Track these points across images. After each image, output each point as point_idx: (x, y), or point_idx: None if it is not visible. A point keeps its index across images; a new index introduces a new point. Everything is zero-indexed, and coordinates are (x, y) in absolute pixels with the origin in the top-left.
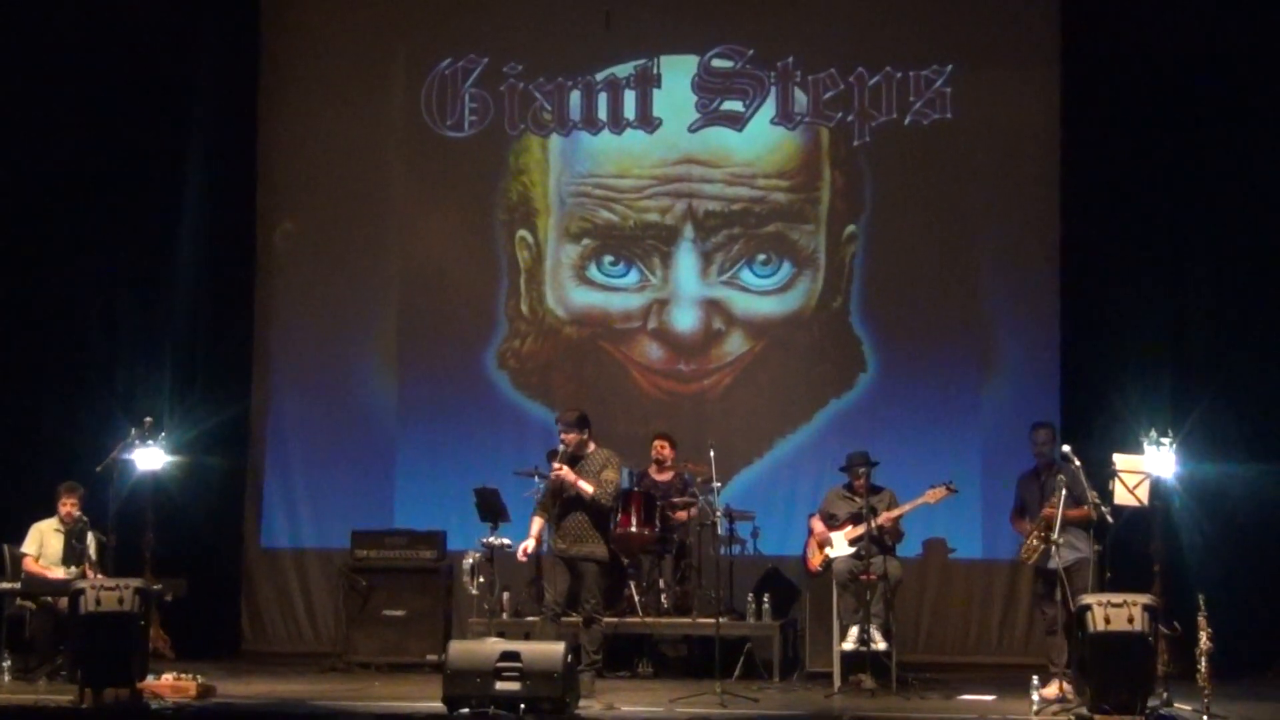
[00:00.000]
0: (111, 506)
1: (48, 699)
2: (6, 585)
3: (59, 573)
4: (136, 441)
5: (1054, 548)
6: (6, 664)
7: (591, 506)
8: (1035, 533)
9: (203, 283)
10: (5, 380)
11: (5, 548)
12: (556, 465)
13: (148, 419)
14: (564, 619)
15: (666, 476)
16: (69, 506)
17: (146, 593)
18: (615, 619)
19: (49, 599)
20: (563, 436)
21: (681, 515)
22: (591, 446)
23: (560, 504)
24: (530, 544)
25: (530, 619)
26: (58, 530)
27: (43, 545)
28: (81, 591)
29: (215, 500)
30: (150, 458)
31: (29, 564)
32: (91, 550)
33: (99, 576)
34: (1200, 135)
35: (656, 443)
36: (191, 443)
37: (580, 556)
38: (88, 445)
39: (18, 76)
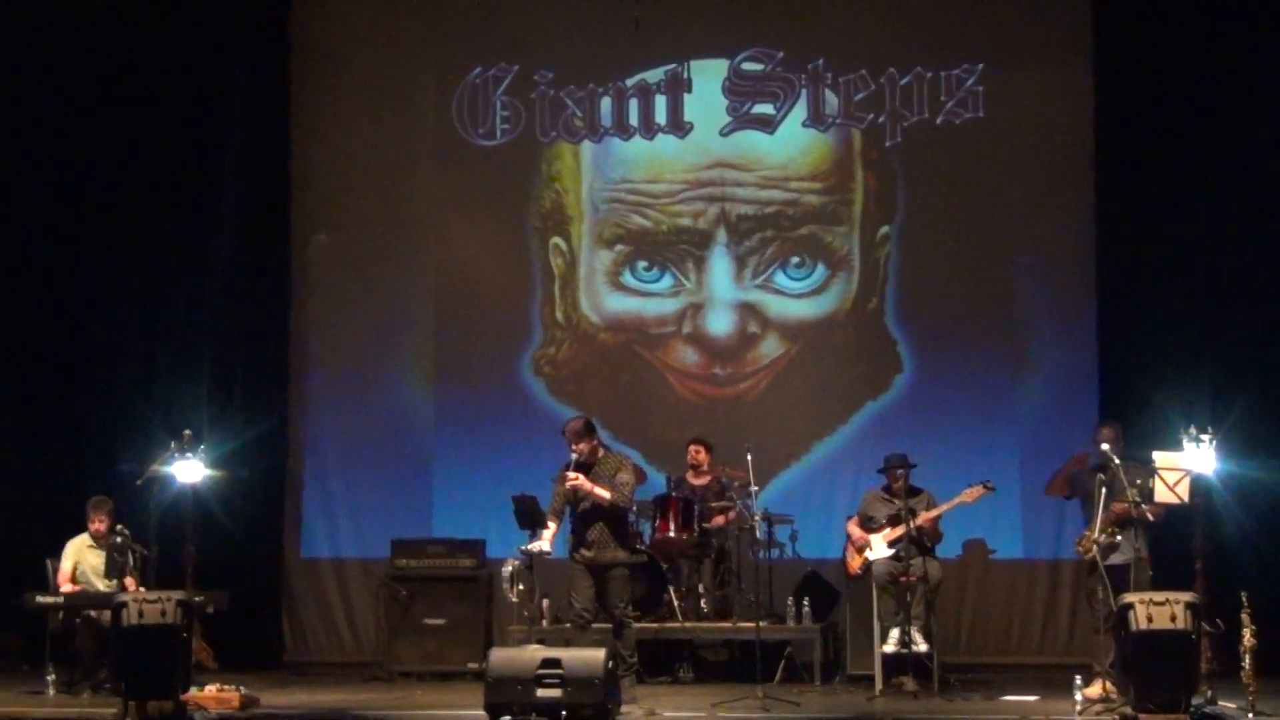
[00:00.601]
0: (152, 519)
1: (92, 712)
2: (50, 599)
3: (101, 586)
4: (175, 455)
5: (1113, 544)
6: (50, 677)
7: (610, 513)
8: (1098, 529)
9: (239, 295)
10: (44, 395)
11: (49, 563)
12: (571, 475)
13: (186, 432)
14: (595, 625)
15: (703, 481)
16: (99, 523)
17: (188, 605)
18: (655, 624)
19: (92, 613)
20: (573, 447)
21: (720, 520)
22: (601, 452)
23: (579, 515)
24: (545, 545)
25: (569, 625)
26: (92, 546)
27: (80, 561)
28: (124, 605)
29: (255, 511)
30: (189, 470)
31: (62, 579)
32: (133, 563)
33: (141, 590)
34: (1234, 130)
35: (692, 447)
36: (230, 455)
37: (601, 562)
38: (127, 458)
39: (56, 95)
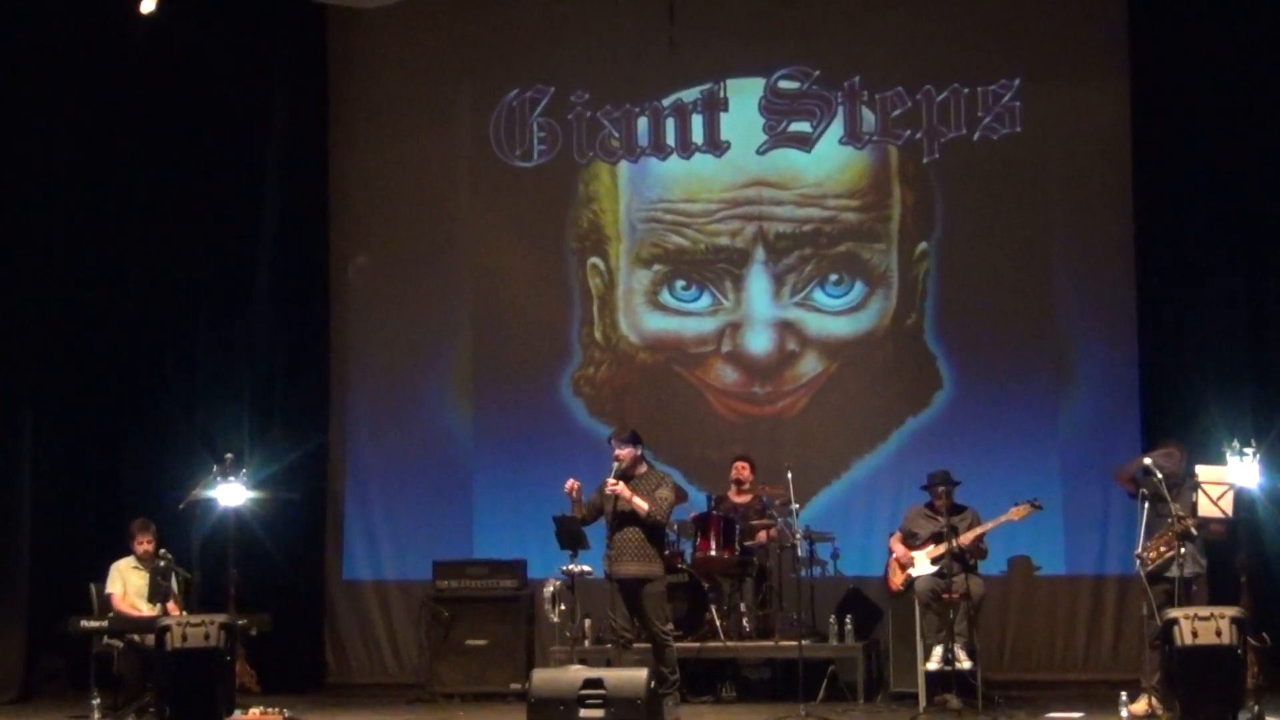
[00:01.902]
0: (195, 543)
1: None
2: (94, 624)
3: (145, 609)
4: (218, 478)
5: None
6: (96, 701)
7: (645, 524)
8: (1162, 542)
9: (279, 319)
10: (87, 420)
11: (93, 587)
12: (611, 480)
13: (228, 455)
14: (636, 645)
15: (745, 499)
16: (144, 544)
17: (232, 628)
18: (697, 643)
19: (136, 636)
20: (617, 453)
21: (762, 536)
22: (644, 467)
23: (612, 520)
24: (585, 566)
25: (611, 645)
26: (136, 568)
27: (125, 584)
28: (168, 628)
29: (297, 534)
30: (232, 494)
31: (116, 603)
32: (176, 587)
33: (184, 613)
34: (1273, 143)
35: (737, 464)
36: (272, 478)
37: (633, 578)
38: (169, 483)
39: (95, 120)
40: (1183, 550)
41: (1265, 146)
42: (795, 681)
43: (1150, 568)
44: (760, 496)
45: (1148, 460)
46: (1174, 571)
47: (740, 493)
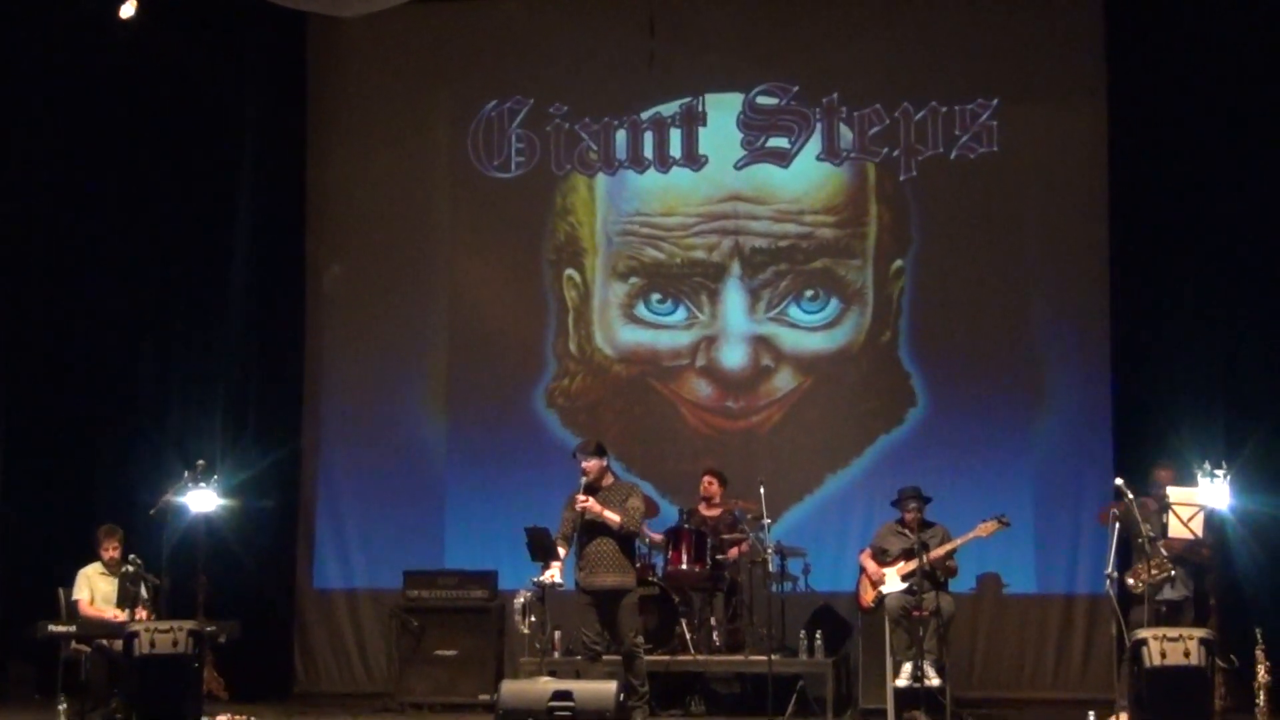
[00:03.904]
0: (165, 549)
1: None
2: (62, 628)
3: (111, 615)
4: (189, 484)
5: (1168, 578)
6: (62, 707)
7: (614, 537)
8: (1152, 564)
9: (253, 326)
10: (59, 424)
11: (60, 592)
12: (581, 497)
13: (200, 462)
14: (605, 657)
15: (715, 513)
16: (111, 550)
17: (200, 635)
18: (667, 656)
19: (104, 642)
20: (583, 465)
21: (733, 552)
22: (611, 479)
23: (582, 531)
24: (557, 576)
25: (580, 657)
26: (104, 574)
27: (92, 590)
28: (136, 634)
29: (267, 542)
30: (202, 500)
31: (84, 609)
32: (145, 593)
33: (153, 619)
34: (1249, 165)
35: (705, 479)
36: (243, 485)
37: (606, 589)
38: (140, 489)
39: (70, 123)
40: (1172, 572)
41: (1242, 167)
42: (764, 696)
43: (1140, 589)
44: (732, 511)
45: (1119, 481)
46: (1168, 594)
47: (710, 507)
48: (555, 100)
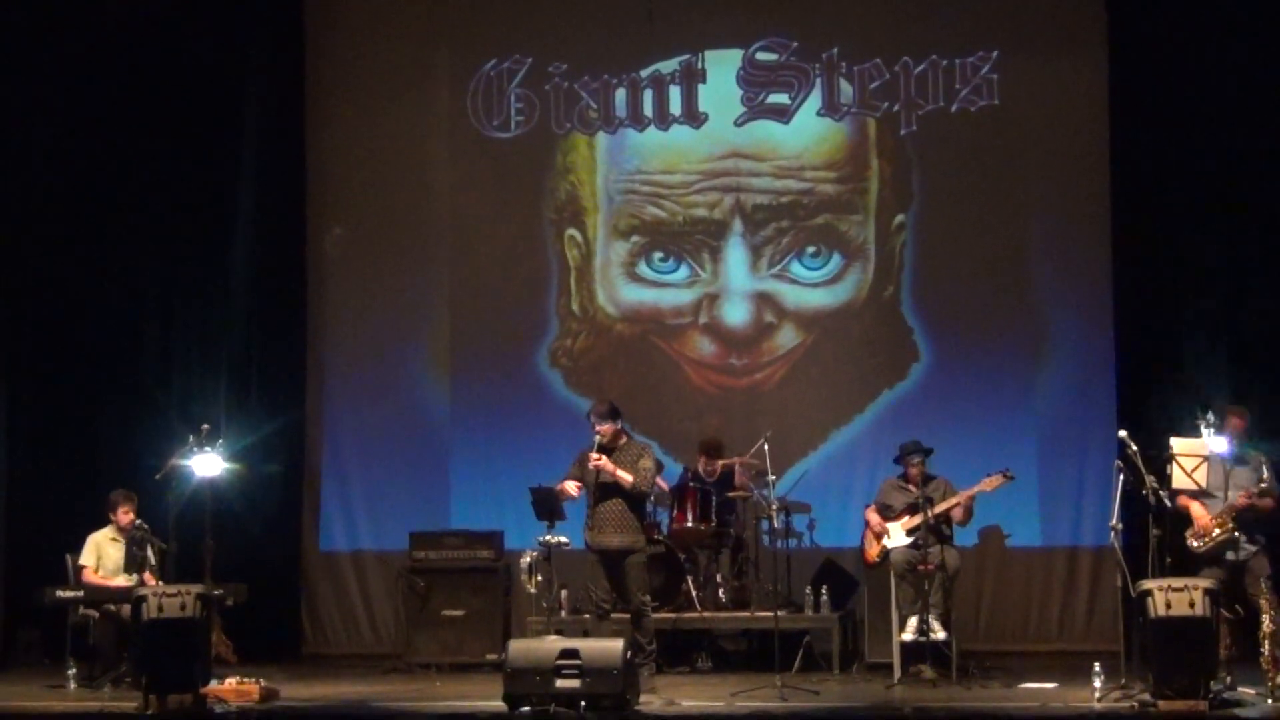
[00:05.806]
0: (171, 513)
1: (112, 706)
2: (70, 594)
3: (120, 581)
4: (194, 449)
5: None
6: (71, 672)
7: (629, 495)
8: (1218, 522)
9: (256, 290)
10: (63, 390)
11: (68, 557)
12: (595, 455)
13: (205, 426)
14: (614, 615)
15: (715, 470)
16: (127, 515)
17: (208, 598)
18: (673, 614)
19: (112, 607)
20: (597, 428)
21: (741, 491)
22: (624, 439)
23: (595, 491)
24: (570, 485)
25: (588, 616)
26: (114, 539)
27: (100, 555)
28: (144, 598)
29: (273, 505)
30: (208, 464)
31: (88, 575)
32: (152, 557)
33: (160, 583)
34: (1250, 115)
35: (700, 459)
36: (248, 449)
37: (616, 549)
38: (146, 453)
39: (71, 92)
40: (1236, 532)
41: (1244, 119)
42: (771, 652)
43: (1203, 549)
44: (732, 468)
45: (1123, 433)
46: (1231, 555)
47: (709, 472)
48: (555, 59)
